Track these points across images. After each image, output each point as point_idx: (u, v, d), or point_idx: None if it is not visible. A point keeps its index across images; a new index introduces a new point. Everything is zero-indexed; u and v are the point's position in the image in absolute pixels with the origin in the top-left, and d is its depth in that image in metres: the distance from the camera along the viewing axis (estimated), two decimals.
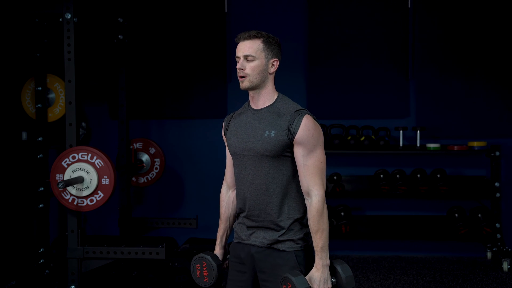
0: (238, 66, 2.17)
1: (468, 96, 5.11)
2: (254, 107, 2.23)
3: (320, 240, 2.09)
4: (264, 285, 2.17)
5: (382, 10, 5.16)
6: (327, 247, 2.10)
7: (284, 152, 2.14)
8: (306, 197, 2.13)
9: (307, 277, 2.08)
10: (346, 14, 5.19)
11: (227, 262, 2.38)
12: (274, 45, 2.19)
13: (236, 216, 2.32)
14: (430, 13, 5.13)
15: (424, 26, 5.14)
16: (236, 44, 2.23)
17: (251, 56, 2.15)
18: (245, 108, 2.29)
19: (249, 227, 2.21)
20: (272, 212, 2.15)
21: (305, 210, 2.19)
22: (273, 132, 2.13)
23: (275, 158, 2.13)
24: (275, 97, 2.22)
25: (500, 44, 5.07)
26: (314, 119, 2.15)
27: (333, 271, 2.13)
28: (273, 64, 2.19)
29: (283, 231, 2.15)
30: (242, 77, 2.17)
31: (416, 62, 5.17)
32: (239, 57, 2.17)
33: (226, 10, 5.21)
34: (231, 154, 2.27)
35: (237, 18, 5.26)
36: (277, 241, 2.15)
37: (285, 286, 2.03)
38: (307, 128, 2.10)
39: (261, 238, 2.17)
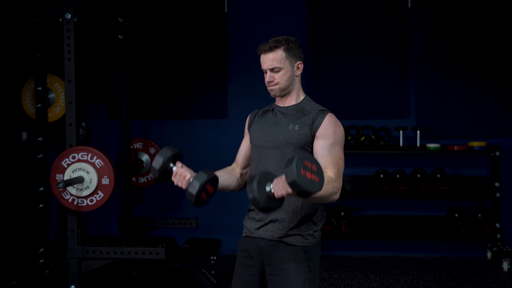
0: (267, 79, 2.22)
1: (468, 96, 5.12)
2: (280, 105, 2.29)
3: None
4: (271, 279, 2.19)
5: (382, 10, 5.17)
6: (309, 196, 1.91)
7: (305, 146, 2.18)
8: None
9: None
10: (346, 14, 5.20)
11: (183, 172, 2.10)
12: (295, 49, 2.22)
13: (247, 210, 2.33)
14: (430, 13, 5.13)
15: (424, 26, 5.14)
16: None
17: (277, 67, 2.19)
18: (271, 106, 2.35)
19: (259, 221, 2.23)
20: (286, 205, 2.16)
21: (317, 209, 2.22)
22: (297, 126, 2.18)
23: (296, 151, 2.16)
24: (302, 97, 2.28)
25: (500, 44, 5.07)
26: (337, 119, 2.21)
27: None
28: (298, 67, 2.25)
29: (293, 225, 2.17)
30: (272, 85, 2.21)
31: (416, 62, 5.17)
32: (265, 70, 2.22)
33: (226, 10, 5.21)
34: (254, 146, 2.29)
35: (237, 18, 5.25)
36: (287, 235, 2.17)
37: (309, 162, 1.83)
38: (330, 124, 2.16)
39: (270, 231, 2.20)
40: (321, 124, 2.16)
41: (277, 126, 2.22)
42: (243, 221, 2.34)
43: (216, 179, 2.09)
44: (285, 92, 2.24)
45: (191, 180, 2.05)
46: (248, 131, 2.36)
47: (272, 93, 2.24)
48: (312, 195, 1.88)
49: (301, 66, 2.25)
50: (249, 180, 1.93)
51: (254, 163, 2.30)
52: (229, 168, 2.43)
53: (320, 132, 2.16)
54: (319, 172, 1.87)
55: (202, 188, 2.01)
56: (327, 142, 2.15)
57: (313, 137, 2.17)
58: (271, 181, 1.89)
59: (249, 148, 2.36)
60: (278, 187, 1.86)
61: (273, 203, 1.89)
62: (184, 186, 2.08)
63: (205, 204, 2.10)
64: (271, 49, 2.19)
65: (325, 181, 1.98)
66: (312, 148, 2.19)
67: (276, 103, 2.31)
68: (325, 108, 2.24)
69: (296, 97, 2.26)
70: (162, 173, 2.10)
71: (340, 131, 2.19)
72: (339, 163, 2.17)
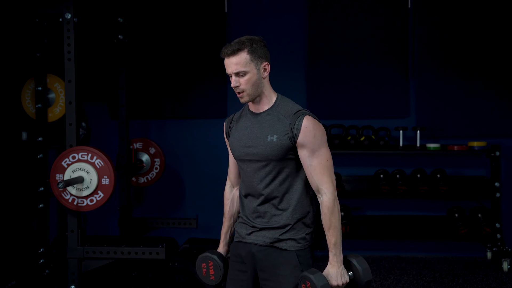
0: (232, 84, 2.13)
1: (468, 96, 5.11)
2: (254, 110, 2.22)
3: (332, 236, 2.12)
4: (264, 284, 2.18)
5: (382, 10, 5.16)
6: (340, 243, 2.14)
7: (287, 155, 2.13)
8: (317, 194, 2.14)
9: (323, 274, 2.10)
10: (346, 14, 5.19)
11: (229, 259, 2.39)
12: (260, 50, 2.13)
13: (238, 216, 2.32)
14: (430, 13, 5.13)
15: (424, 26, 5.14)
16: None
17: (242, 71, 2.11)
18: (244, 111, 2.27)
19: (252, 227, 2.22)
20: (276, 213, 2.16)
21: (308, 211, 2.20)
22: (275, 136, 2.12)
23: (278, 161, 2.14)
24: (274, 99, 2.20)
25: (500, 44, 5.07)
26: (315, 118, 2.14)
27: (348, 266, 2.16)
28: (265, 69, 2.16)
29: (285, 229, 2.15)
30: (239, 92, 2.14)
31: (416, 62, 5.17)
32: (230, 74, 2.13)
33: (226, 10, 5.21)
34: (235, 158, 2.27)
35: (237, 18, 5.26)
36: (279, 240, 2.15)
37: (304, 285, 2.04)
38: (308, 130, 2.09)
39: (262, 236, 2.18)
40: (299, 131, 2.08)
41: (255, 138, 2.16)
42: (234, 225, 2.33)
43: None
44: (254, 97, 2.15)
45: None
46: (227, 141, 2.31)
47: (242, 100, 2.16)
48: (339, 240, 2.17)
49: (268, 67, 2.16)
50: None
51: (240, 173, 2.28)
52: (227, 193, 2.40)
53: (301, 140, 2.09)
54: (306, 279, 2.03)
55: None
56: (310, 149, 2.09)
57: (293, 144, 2.11)
58: None
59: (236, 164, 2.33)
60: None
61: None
62: None
63: None
64: (234, 52, 2.09)
65: (326, 209, 2.10)
66: (293, 154, 2.14)
67: (250, 108, 2.23)
68: (300, 108, 2.16)
69: (268, 100, 2.18)
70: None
71: (320, 132, 2.11)
72: (327, 165, 2.11)
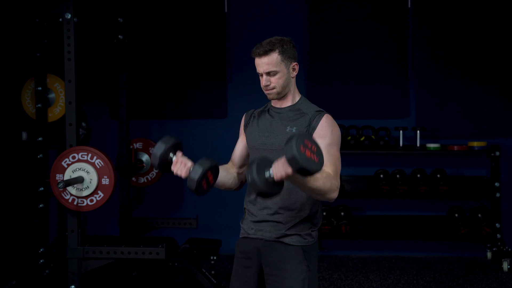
0: (263, 83, 2.19)
1: (468, 96, 5.12)
2: (276, 106, 2.28)
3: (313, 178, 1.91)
4: (269, 279, 2.18)
5: (382, 10, 5.17)
6: (307, 181, 1.90)
7: None
8: None
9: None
10: (346, 14, 5.20)
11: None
12: (290, 50, 2.20)
13: (243, 211, 2.32)
14: (430, 13, 5.13)
15: (424, 26, 5.14)
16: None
17: (273, 71, 2.17)
18: (267, 106, 2.33)
19: (256, 222, 2.22)
20: (284, 206, 2.17)
21: (317, 211, 2.21)
22: (294, 128, 2.17)
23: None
24: (297, 98, 2.27)
25: (500, 44, 5.07)
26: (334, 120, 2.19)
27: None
28: (294, 68, 2.23)
29: (291, 224, 2.17)
30: (268, 89, 2.20)
31: (416, 62, 5.17)
32: (261, 74, 2.19)
33: (226, 10, 5.21)
34: (250, 148, 2.28)
35: (237, 18, 5.25)
36: (285, 235, 2.17)
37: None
38: (327, 124, 2.15)
39: (268, 232, 2.19)
40: (318, 125, 2.15)
41: (275, 129, 2.21)
42: (240, 222, 2.33)
43: (217, 167, 2.05)
44: (282, 95, 2.22)
45: (192, 167, 2.00)
46: (244, 132, 2.35)
47: (269, 97, 2.23)
48: (311, 184, 1.88)
49: (297, 67, 2.23)
50: (248, 164, 1.91)
51: None
52: (226, 165, 2.39)
53: (317, 132, 2.14)
54: (319, 153, 1.85)
55: (204, 174, 1.95)
56: (325, 142, 2.11)
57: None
58: (271, 166, 1.86)
59: (245, 148, 2.35)
60: (278, 168, 1.83)
61: (271, 188, 1.87)
62: (184, 175, 2.02)
63: (204, 194, 2.05)
64: (265, 52, 2.16)
65: (324, 175, 1.97)
66: None
67: (272, 104, 2.29)
68: (321, 109, 2.23)
69: (292, 98, 2.25)
70: (162, 161, 2.05)
71: (337, 131, 2.17)
72: (337, 163, 2.12)
